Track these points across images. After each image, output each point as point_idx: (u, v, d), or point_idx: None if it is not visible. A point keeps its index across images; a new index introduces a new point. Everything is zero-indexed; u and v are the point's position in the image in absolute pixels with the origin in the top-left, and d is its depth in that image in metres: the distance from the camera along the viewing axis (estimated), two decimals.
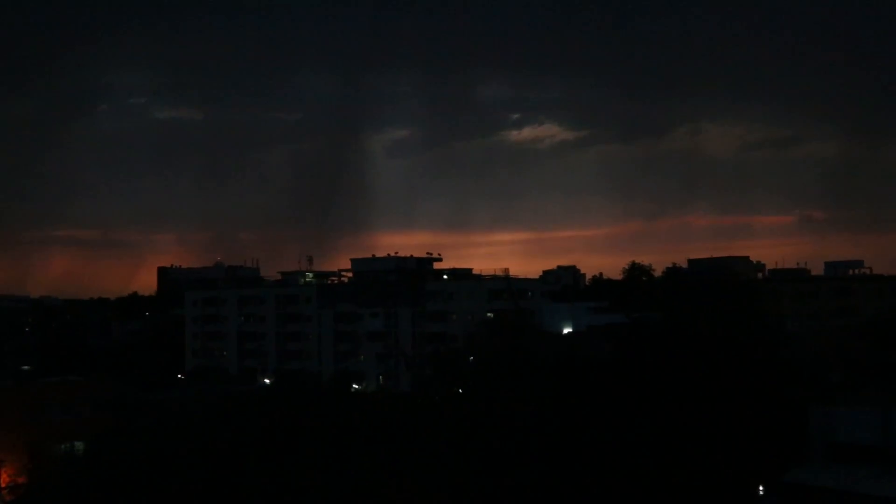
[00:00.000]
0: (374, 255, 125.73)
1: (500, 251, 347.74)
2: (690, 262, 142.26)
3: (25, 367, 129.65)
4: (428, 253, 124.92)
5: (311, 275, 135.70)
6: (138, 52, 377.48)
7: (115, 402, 64.40)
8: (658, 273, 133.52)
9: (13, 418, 59.80)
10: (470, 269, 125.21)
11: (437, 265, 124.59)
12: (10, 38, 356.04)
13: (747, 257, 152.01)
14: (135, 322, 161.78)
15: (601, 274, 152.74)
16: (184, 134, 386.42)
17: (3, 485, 54.75)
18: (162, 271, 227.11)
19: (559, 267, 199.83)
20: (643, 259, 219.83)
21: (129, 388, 74.69)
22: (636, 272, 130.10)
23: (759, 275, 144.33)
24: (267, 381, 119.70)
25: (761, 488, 40.74)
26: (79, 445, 60.17)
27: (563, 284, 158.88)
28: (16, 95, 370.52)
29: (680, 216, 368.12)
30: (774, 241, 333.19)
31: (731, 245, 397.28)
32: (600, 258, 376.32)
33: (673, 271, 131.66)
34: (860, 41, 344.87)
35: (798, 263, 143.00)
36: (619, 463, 42.42)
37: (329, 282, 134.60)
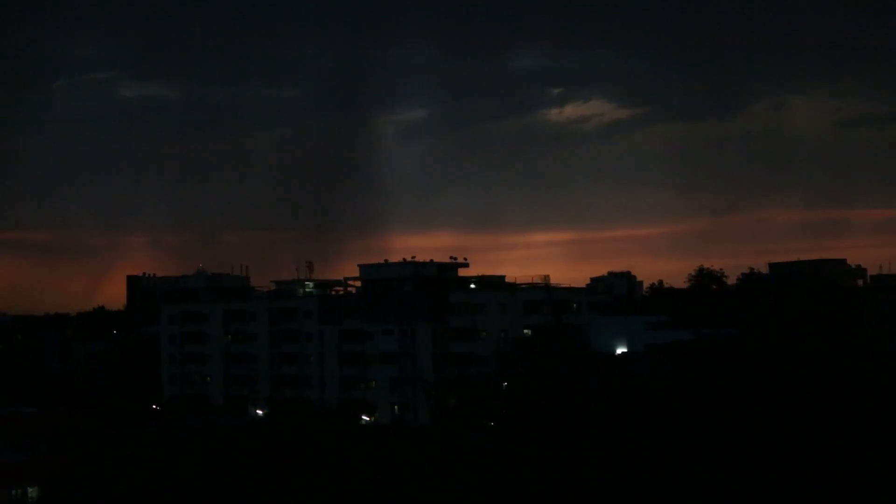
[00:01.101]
0: (386, 261, 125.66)
1: (538, 255, 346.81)
2: (772, 266, 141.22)
3: None
4: (451, 257, 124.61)
5: (311, 284, 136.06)
6: (100, 17, 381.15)
7: (75, 439, 64.62)
8: (731, 280, 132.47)
9: None
10: (502, 277, 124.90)
11: (462, 272, 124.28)
12: None
13: (844, 260, 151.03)
14: (100, 342, 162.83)
15: (661, 282, 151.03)
16: (155, 115, 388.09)
17: None
18: (132, 281, 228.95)
19: (610, 273, 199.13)
20: (713, 263, 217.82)
21: (91, 423, 75.05)
22: (704, 279, 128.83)
23: (859, 281, 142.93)
24: (259, 412, 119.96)
25: None
26: (32, 492, 60.40)
27: (615, 295, 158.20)
28: None
29: (758, 211, 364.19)
30: (877, 240, 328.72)
31: (822, 246, 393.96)
32: (660, 262, 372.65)
33: (750, 278, 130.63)
34: None
35: None
36: None
37: (333, 293, 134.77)
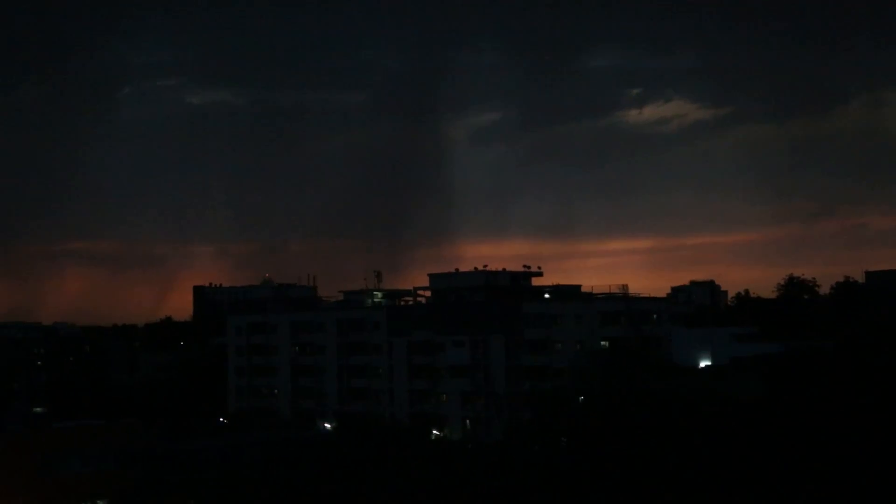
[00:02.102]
0: (457, 270, 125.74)
1: (615, 263, 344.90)
2: (869, 275, 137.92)
3: (37, 410, 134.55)
4: (525, 266, 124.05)
5: (380, 294, 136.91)
6: (168, 24, 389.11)
7: (143, 453, 65.97)
8: (824, 290, 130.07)
9: (23, 472, 61.91)
10: (578, 287, 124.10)
11: (536, 281, 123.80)
12: (16, 10, 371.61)
13: None
14: (166, 354, 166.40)
15: (747, 291, 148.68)
16: (222, 122, 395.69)
17: None
18: (199, 291, 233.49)
19: (692, 283, 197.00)
20: (804, 272, 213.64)
21: (159, 436, 76.50)
22: (795, 289, 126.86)
23: None
24: (327, 425, 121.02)
25: None
26: None
27: (698, 305, 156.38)
28: (22, 79, 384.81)
29: (853, 216, 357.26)
30: None
31: None
32: (746, 271, 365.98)
33: (845, 287, 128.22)
34: None
35: None
36: None
37: (402, 303, 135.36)
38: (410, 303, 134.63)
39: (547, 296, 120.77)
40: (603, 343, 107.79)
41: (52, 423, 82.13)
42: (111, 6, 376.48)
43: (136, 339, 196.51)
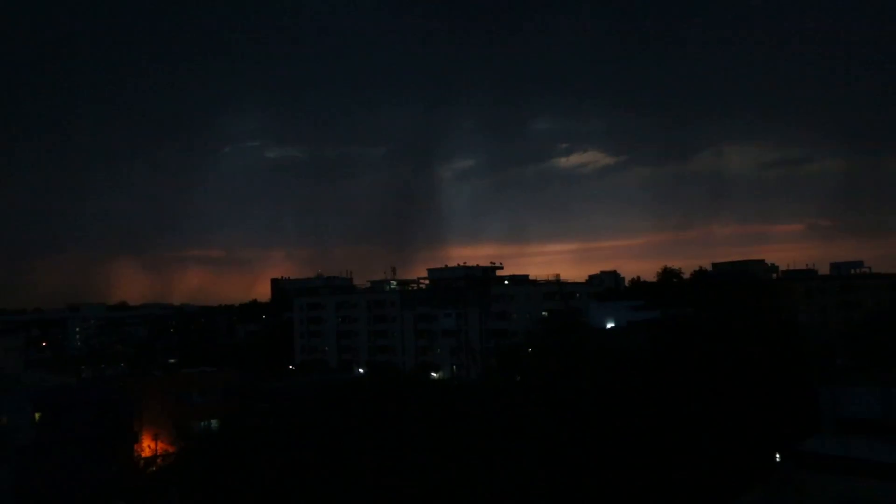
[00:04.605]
0: (446, 265, 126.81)
1: (552, 259, 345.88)
2: (715, 265, 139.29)
3: (171, 361, 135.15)
4: (491, 262, 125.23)
5: (394, 282, 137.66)
6: (255, 102, 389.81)
7: (241, 389, 66.71)
8: (687, 275, 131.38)
9: (164, 401, 62.74)
10: (527, 276, 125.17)
11: (499, 272, 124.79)
12: (154, 101, 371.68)
13: (763, 260, 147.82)
14: (254, 324, 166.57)
15: (639, 277, 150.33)
16: (290, 169, 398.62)
17: (159, 452, 57.69)
18: (274, 282, 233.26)
19: (602, 272, 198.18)
20: (674, 264, 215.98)
21: (250, 379, 77.10)
22: (668, 275, 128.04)
23: (774, 275, 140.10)
24: (360, 370, 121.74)
25: (778, 456, 40.05)
26: (214, 423, 62.65)
27: (606, 287, 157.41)
28: (161, 147, 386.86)
29: (705, 226, 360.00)
30: (786, 246, 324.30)
31: (749, 250, 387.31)
32: (638, 264, 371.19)
33: (700, 274, 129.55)
34: (857, 76, 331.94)
35: (807, 265, 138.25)
36: (657, 439, 41.96)
37: (410, 288, 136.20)
38: (415, 288, 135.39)
39: (506, 282, 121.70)
40: (544, 313, 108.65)
41: (181, 370, 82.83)
42: (220, 92, 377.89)
43: (234, 315, 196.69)
